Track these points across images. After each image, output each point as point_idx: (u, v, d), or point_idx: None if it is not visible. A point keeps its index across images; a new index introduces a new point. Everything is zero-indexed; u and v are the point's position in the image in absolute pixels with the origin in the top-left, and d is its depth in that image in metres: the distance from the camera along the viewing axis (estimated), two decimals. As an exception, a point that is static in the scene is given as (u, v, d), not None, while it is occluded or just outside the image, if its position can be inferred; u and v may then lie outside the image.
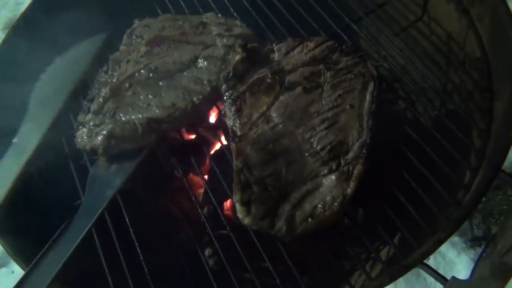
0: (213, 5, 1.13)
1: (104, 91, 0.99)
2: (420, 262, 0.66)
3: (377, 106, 0.89)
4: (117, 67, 1.02)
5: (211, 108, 1.02)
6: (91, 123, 0.96)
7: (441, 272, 1.89)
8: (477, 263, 0.67)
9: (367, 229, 0.82)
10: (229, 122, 0.91)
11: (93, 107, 0.98)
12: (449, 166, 0.83)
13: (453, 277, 0.65)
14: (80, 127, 0.97)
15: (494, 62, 0.88)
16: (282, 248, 0.83)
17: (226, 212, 1.10)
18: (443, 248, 1.87)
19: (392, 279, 0.65)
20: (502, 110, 0.80)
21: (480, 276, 0.65)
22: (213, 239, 0.90)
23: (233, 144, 0.88)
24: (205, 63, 1.00)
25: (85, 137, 0.94)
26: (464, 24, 0.97)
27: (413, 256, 0.66)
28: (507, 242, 0.66)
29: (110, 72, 1.02)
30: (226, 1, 1.13)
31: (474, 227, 1.92)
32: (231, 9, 1.10)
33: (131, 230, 0.89)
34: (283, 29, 1.05)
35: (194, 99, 0.95)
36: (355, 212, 0.95)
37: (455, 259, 1.84)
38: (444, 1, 1.02)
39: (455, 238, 1.86)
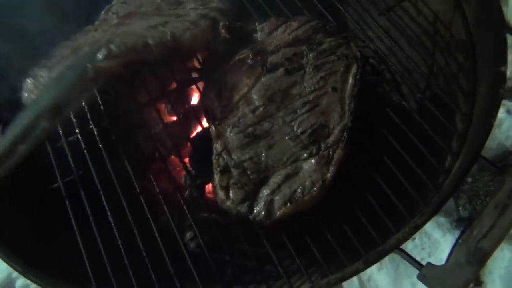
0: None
1: (65, 51, 0.94)
2: (396, 248, 0.65)
3: (360, 89, 0.87)
4: (84, 36, 0.98)
5: (174, 58, 0.99)
6: (43, 77, 0.90)
7: (426, 252, 1.91)
8: (453, 249, 0.66)
9: (347, 213, 0.82)
10: (209, 104, 0.89)
11: (49, 63, 0.93)
12: (431, 150, 0.82)
13: (428, 263, 0.65)
14: (30, 80, 0.91)
15: (479, 45, 0.87)
16: (260, 231, 0.83)
17: (208, 194, 1.09)
18: (429, 228, 1.88)
19: (368, 264, 0.64)
20: (484, 94, 0.79)
21: (456, 261, 0.65)
22: (192, 222, 0.89)
23: (213, 127, 0.86)
24: (174, 24, 0.95)
25: (33, 89, 0.90)
26: (451, 5, 0.95)
27: (389, 242, 0.65)
28: (483, 228, 0.66)
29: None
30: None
31: (460, 207, 1.94)
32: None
33: (109, 213, 0.88)
34: (267, 8, 1.02)
35: (149, 40, 0.89)
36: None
37: (440, 239, 1.86)
38: (431, -19, 1.00)
39: (440, 219, 1.88)
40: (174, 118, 1.07)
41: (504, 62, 0.74)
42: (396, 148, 0.84)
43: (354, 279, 1.60)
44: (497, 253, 1.86)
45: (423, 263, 1.89)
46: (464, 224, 1.86)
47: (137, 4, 1.02)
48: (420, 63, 1.05)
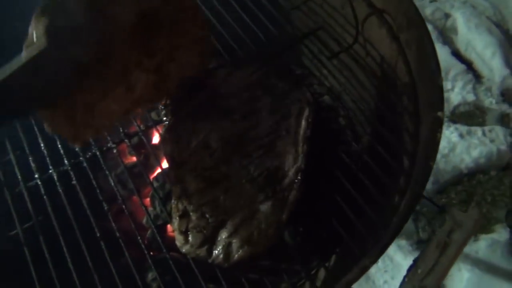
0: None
1: None
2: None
3: (312, 131, 0.92)
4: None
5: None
6: None
7: (389, 274, 1.96)
8: (401, 287, 0.71)
9: (303, 251, 0.85)
10: (167, 149, 0.92)
11: None
12: (380, 189, 0.87)
13: (377, 302, 0.68)
14: None
15: (420, 88, 0.93)
16: (218, 270, 0.85)
17: (170, 233, 1.10)
18: (391, 251, 1.95)
19: None
20: (424, 137, 0.85)
21: (402, 299, 0.69)
22: (150, 263, 0.91)
23: (172, 171, 0.89)
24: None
25: None
26: (395, 49, 1.02)
27: (340, 283, 0.69)
28: (426, 267, 0.71)
29: None
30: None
31: (419, 230, 2.01)
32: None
33: (68, 259, 0.89)
34: (223, 52, 1.07)
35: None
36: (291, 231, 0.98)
37: (402, 262, 1.92)
38: (377, 25, 1.06)
39: (401, 242, 1.95)
40: (134, 159, 1.08)
41: (441, 108, 0.80)
42: (347, 188, 0.89)
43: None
44: (455, 274, 1.94)
45: (386, 286, 1.92)
46: (423, 246, 1.94)
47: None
48: (370, 101, 1.11)
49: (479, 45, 2.40)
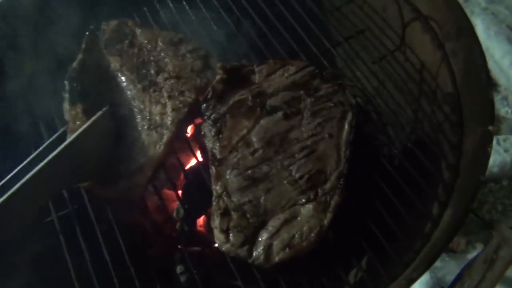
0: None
1: None
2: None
3: (355, 136, 0.91)
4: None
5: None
6: None
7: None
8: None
9: (342, 258, 0.85)
10: (209, 144, 0.91)
11: None
12: (418, 196, 0.87)
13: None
14: None
15: (466, 100, 0.92)
16: (256, 271, 0.85)
17: (199, 228, 1.10)
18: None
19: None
20: (471, 150, 0.84)
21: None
22: (185, 255, 0.90)
23: (213, 167, 0.88)
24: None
25: None
26: (438, 57, 1.01)
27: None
28: (473, 282, 0.71)
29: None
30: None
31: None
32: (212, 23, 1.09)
33: (102, 245, 0.88)
34: (265, 50, 1.05)
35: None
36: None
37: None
38: (420, 31, 1.05)
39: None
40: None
41: (492, 122, 0.79)
42: (386, 193, 0.88)
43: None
44: (462, 280, 1.94)
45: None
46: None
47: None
48: (406, 107, 1.11)
49: (498, 53, 2.39)
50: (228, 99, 0.95)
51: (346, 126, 0.91)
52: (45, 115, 1.05)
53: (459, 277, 0.72)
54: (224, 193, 0.85)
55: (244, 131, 0.91)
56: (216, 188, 0.86)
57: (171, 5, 1.13)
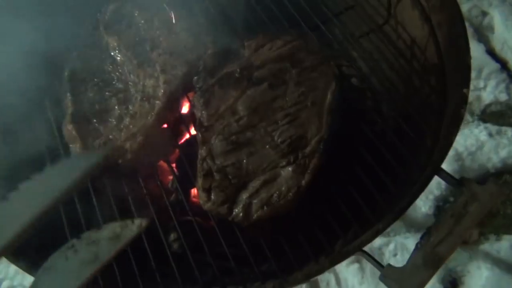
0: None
1: None
2: (358, 250, 0.71)
3: (338, 104, 0.94)
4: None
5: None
6: None
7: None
8: (413, 253, 0.72)
9: (320, 218, 0.88)
10: (197, 113, 0.96)
11: None
12: (403, 165, 0.88)
13: (389, 265, 0.70)
14: None
15: (450, 69, 0.94)
16: (239, 234, 0.88)
17: (193, 199, 1.14)
18: (410, 245, 1.94)
19: (332, 264, 0.70)
20: (449, 114, 0.86)
21: (414, 264, 0.71)
22: (175, 224, 0.95)
23: (199, 134, 0.93)
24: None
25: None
26: (426, 31, 1.03)
27: (353, 244, 0.71)
28: (440, 235, 0.72)
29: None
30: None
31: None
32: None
33: (98, 212, 0.94)
34: (257, 26, 1.10)
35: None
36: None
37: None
38: (410, 7, 1.07)
39: (421, 236, 1.93)
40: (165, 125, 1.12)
41: (467, 85, 0.81)
42: (369, 161, 0.91)
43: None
44: (474, 272, 1.93)
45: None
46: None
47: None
48: (398, 84, 1.12)
49: (517, 45, 2.35)
50: (218, 72, 1.00)
51: (329, 95, 0.94)
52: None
53: (427, 232, 0.73)
54: (208, 156, 0.89)
55: (231, 101, 0.95)
56: (201, 151, 0.90)
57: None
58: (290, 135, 0.90)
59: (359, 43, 1.10)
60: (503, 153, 2.06)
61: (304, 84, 0.95)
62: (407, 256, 2.01)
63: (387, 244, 1.97)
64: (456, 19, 0.89)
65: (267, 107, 0.94)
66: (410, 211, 2.08)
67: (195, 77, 1.00)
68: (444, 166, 2.10)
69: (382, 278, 0.71)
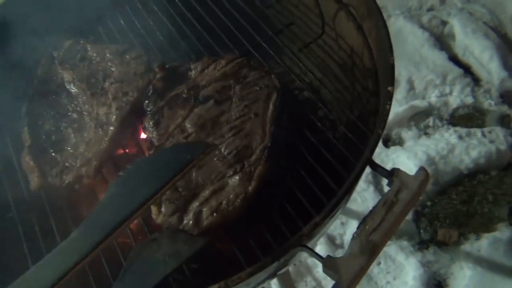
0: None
1: None
2: (298, 244, 0.74)
3: (281, 113, 0.99)
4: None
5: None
6: None
7: (391, 275, 1.97)
8: (350, 243, 0.76)
9: (269, 221, 0.92)
10: (148, 134, 1.01)
11: None
12: (342, 164, 0.93)
13: (328, 256, 0.74)
14: None
15: (380, 71, 1.00)
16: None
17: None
18: (393, 252, 1.97)
19: (274, 259, 0.73)
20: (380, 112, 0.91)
21: (351, 253, 0.74)
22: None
23: (150, 153, 0.97)
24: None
25: None
26: (360, 39, 1.09)
27: (293, 239, 0.75)
28: (374, 223, 0.76)
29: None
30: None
31: (421, 230, 2.03)
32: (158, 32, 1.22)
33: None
34: (202, 49, 1.16)
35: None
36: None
37: (404, 262, 1.94)
38: (345, 19, 1.14)
39: (403, 242, 1.97)
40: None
41: (392, 83, 0.86)
42: (313, 164, 0.95)
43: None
44: (458, 273, 1.94)
45: (389, 287, 1.94)
46: (425, 246, 1.95)
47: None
48: (344, 92, 1.19)
49: (477, 49, 2.45)
50: (167, 95, 1.05)
51: (271, 106, 0.99)
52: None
53: (362, 221, 0.77)
54: (159, 173, 0.94)
55: (180, 120, 1.00)
56: (151, 170, 0.95)
57: (121, 22, 1.26)
58: (236, 146, 0.94)
59: (301, 57, 1.16)
60: (474, 153, 2.12)
61: (247, 97, 1.01)
62: (391, 264, 2.03)
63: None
64: (379, 24, 0.96)
65: (213, 123, 0.99)
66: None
67: (146, 101, 1.05)
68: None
69: (324, 269, 0.74)
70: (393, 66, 0.89)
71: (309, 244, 0.84)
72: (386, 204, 0.77)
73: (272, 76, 1.04)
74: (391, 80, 0.87)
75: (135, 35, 1.23)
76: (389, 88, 0.85)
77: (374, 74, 1.02)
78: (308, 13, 1.21)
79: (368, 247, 0.74)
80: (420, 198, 2.09)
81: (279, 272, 0.87)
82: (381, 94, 0.95)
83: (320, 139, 1.01)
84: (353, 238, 0.76)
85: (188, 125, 0.99)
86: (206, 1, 1.23)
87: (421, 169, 0.80)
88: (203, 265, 0.93)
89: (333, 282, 0.72)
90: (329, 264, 0.74)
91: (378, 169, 0.81)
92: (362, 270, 0.73)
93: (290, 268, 1.52)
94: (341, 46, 1.19)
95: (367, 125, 1.00)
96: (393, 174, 0.80)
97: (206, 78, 1.06)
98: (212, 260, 0.92)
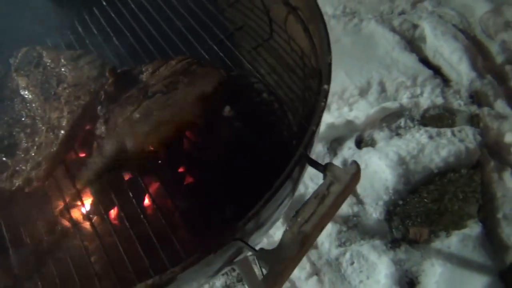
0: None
1: None
2: (232, 239, 0.76)
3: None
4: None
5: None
6: None
7: (364, 274, 1.99)
8: (282, 235, 0.78)
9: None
10: (98, 132, 1.02)
11: None
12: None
13: (261, 248, 0.76)
14: None
15: (323, 70, 1.03)
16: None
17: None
18: (365, 251, 1.99)
19: (208, 253, 0.75)
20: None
21: (283, 244, 0.77)
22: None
23: (95, 142, 1.00)
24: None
25: None
26: (308, 41, 1.13)
27: (226, 233, 0.77)
28: (306, 215, 0.79)
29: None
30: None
31: (393, 229, 2.06)
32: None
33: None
34: (155, 52, 1.19)
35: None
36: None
37: (376, 261, 1.97)
38: (294, 22, 1.18)
39: (376, 242, 2.00)
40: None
41: (328, 82, 0.89)
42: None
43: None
44: (429, 270, 1.97)
45: (362, 286, 1.97)
46: (397, 245, 1.98)
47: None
48: (298, 92, 1.22)
49: (446, 51, 2.50)
50: (119, 98, 1.08)
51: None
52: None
53: (295, 214, 0.79)
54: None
55: (128, 113, 1.02)
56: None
57: (79, 29, 1.29)
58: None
59: (265, 63, 1.19)
60: (443, 152, 2.16)
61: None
62: (364, 263, 2.07)
63: (343, 254, 2.03)
64: (320, 26, 0.99)
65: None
66: (363, 218, 2.15)
67: (99, 107, 1.07)
68: (388, 171, 2.17)
69: (256, 261, 0.76)
70: (330, 65, 0.92)
71: (253, 237, 0.87)
72: (318, 197, 0.80)
73: (220, 70, 1.06)
74: (327, 78, 0.90)
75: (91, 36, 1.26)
76: (325, 86, 0.88)
77: (319, 75, 1.05)
78: (261, 16, 1.25)
79: (299, 237, 0.76)
80: (392, 197, 2.12)
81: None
82: (321, 92, 0.98)
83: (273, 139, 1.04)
84: (286, 230, 0.79)
85: (137, 115, 1.01)
86: (160, 3, 1.25)
87: (353, 162, 0.82)
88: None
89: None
90: (261, 256, 0.76)
91: (313, 165, 0.84)
92: (293, 260, 0.76)
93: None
94: (293, 48, 1.22)
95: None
96: (326, 168, 0.82)
97: (156, 78, 1.08)
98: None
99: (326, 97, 0.87)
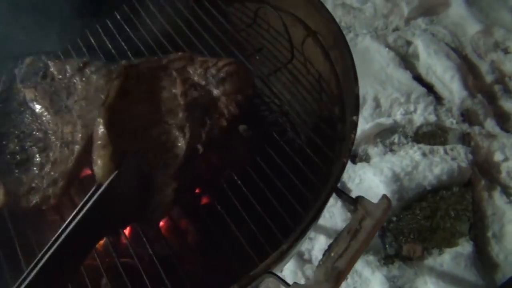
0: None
1: None
2: (265, 272, 0.75)
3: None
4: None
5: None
6: None
7: (358, 289, 1.99)
8: (315, 270, 0.78)
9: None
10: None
11: None
12: (308, 188, 0.95)
13: (295, 283, 0.75)
14: None
15: (346, 98, 1.03)
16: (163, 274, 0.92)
17: (123, 240, 1.16)
18: (359, 267, 2.00)
19: (241, 287, 0.74)
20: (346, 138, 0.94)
21: (316, 280, 0.76)
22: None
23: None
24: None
25: None
26: (327, 66, 1.13)
27: (260, 267, 0.76)
28: (339, 250, 0.78)
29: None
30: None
31: (386, 246, 2.08)
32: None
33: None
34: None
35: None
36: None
37: (370, 277, 1.98)
38: (312, 45, 1.18)
39: (369, 257, 2.01)
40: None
41: (356, 113, 0.89)
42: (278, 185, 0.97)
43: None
44: (421, 287, 1.98)
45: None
46: (390, 261, 2.00)
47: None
48: (312, 115, 1.21)
49: (439, 69, 2.54)
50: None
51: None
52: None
53: (328, 249, 0.79)
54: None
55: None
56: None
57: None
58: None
59: (271, 80, 1.19)
60: (436, 170, 2.19)
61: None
62: (357, 279, 2.08)
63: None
64: (346, 54, 0.99)
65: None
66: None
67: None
68: (383, 187, 2.19)
69: (290, 296, 0.76)
70: (358, 96, 0.92)
71: (277, 268, 0.86)
72: (350, 232, 0.80)
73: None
74: (355, 110, 0.90)
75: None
76: (354, 118, 0.88)
77: (340, 101, 1.05)
78: (278, 38, 1.24)
79: (333, 274, 0.76)
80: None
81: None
82: (347, 123, 0.98)
83: (286, 162, 1.03)
84: (319, 265, 0.78)
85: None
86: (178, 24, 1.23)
87: (384, 197, 0.83)
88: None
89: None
90: (296, 290, 0.75)
91: (343, 196, 0.84)
92: (325, 297, 0.75)
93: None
94: (309, 71, 1.22)
95: (332, 150, 1.02)
96: (357, 202, 0.82)
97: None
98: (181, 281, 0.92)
99: (355, 128, 0.87)
